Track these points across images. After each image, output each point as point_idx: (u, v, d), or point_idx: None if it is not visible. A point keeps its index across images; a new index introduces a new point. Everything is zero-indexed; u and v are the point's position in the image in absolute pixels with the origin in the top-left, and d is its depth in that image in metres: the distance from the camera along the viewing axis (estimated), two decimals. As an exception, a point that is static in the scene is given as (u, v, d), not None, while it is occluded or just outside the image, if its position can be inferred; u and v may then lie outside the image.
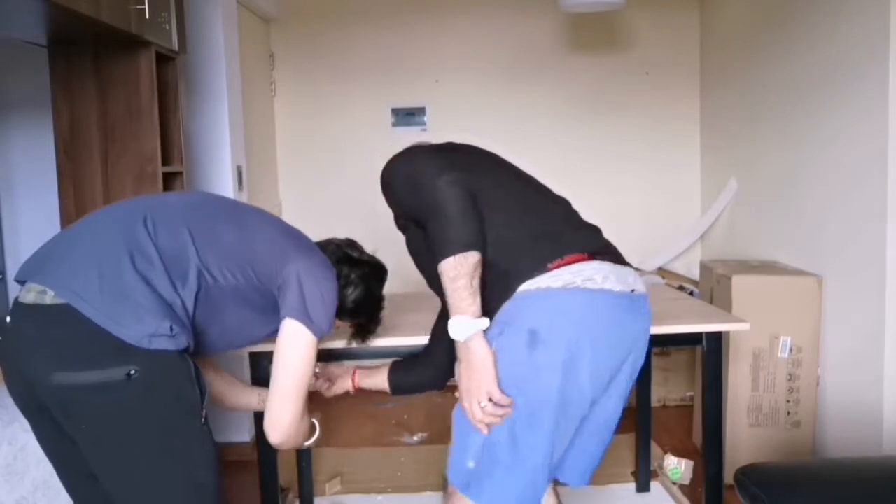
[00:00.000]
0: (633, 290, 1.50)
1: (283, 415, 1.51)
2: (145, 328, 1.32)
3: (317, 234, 1.72)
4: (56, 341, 1.33)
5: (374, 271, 1.73)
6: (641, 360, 1.56)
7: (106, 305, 1.31)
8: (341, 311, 1.64)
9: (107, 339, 1.30)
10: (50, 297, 1.33)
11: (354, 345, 1.81)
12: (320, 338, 1.52)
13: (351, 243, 1.75)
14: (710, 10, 3.90)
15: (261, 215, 1.61)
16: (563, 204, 1.63)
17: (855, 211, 2.45)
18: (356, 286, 1.67)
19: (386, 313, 1.79)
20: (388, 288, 1.79)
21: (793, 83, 2.91)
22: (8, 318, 1.39)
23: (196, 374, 1.41)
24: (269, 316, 1.52)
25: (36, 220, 2.59)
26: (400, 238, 1.69)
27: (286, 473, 2.67)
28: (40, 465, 1.94)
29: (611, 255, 1.53)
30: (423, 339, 1.88)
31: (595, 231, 1.59)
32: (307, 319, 1.48)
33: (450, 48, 4.05)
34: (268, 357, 1.98)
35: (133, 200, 1.57)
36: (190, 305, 1.40)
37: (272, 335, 1.54)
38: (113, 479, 1.40)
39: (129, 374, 1.31)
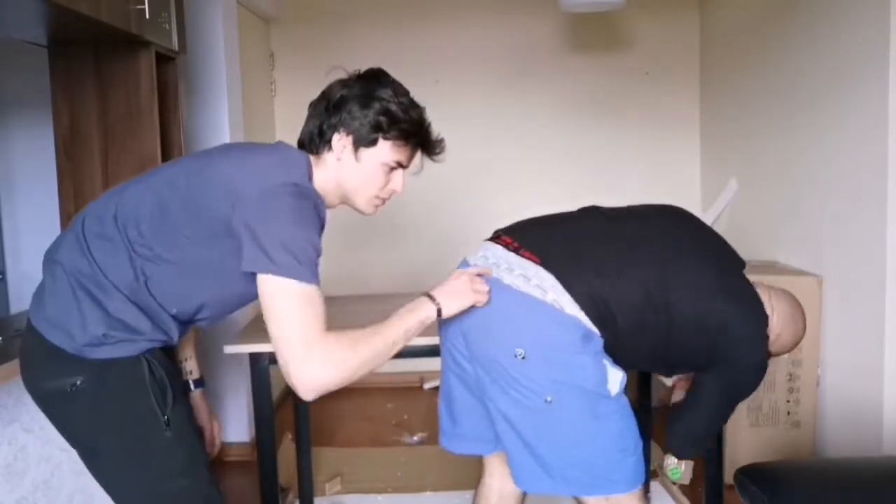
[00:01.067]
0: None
1: (299, 368, 1.25)
2: (84, 338, 1.34)
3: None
4: (26, 355, 1.43)
5: (365, 76, 1.47)
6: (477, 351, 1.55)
7: (57, 320, 1.36)
8: (387, 130, 1.42)
9: (56, 352, 1.35)
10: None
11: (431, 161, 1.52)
12: (304, 278, 1.27)
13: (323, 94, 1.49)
14: (710, 10, 3.90)
15: (198, 163, 1.42)
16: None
17: (855, 211, 2.45)
18: (360, 101, 1.42)
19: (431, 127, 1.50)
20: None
21: (793, 83, 2.90)
22: None
23: (152, 380, 1.36)
24: (234, 272, 1.33)
25: (36, 220, 2.58)
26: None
27: (286, 473, 2.68)
28: (40, 465, 1.94)
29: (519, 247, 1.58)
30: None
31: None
32: (273, 266, 1.26)
33: (450, 48, 4.05)
34: (268, 357, 1.99)
35: (85, 209, 1.47)
36: (144, 300, 1.36)
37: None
38: (97, 480, 1.43)
39: (74, 385, 1.34)
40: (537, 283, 1.49)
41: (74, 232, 1.40)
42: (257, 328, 2.15)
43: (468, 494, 2.76)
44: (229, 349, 1.97)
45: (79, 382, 1.34)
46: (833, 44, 2.59)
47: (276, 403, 3.52)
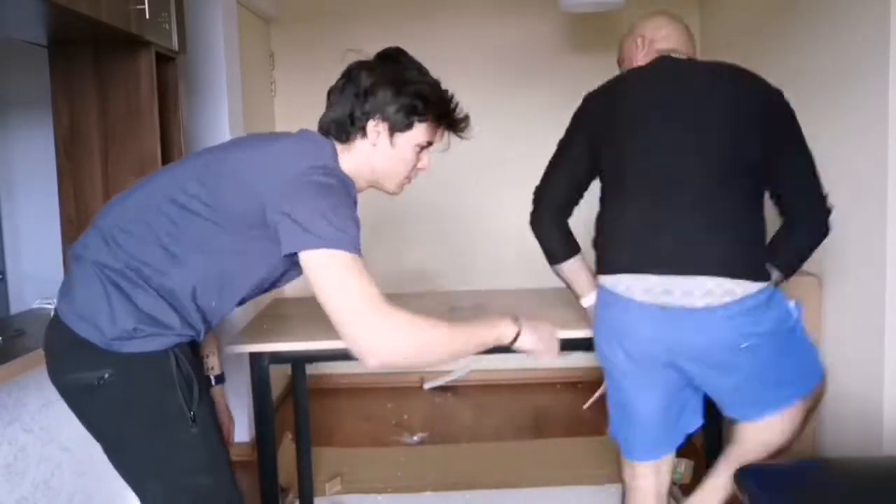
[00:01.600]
0: (663, 305, 1.66)
1: (365, 338, 1.23)
2: (114, 332, 1.34)
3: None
4: (52, 348, 1.43)
5: (386, 58, 1.48)
6: (700, 370, 1.71)
7: (86, 312, 1.36)
8: (423, 113, 1.45)
9: (84, 345, 1.35)
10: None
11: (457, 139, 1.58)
12: (351, 249, 1.25)
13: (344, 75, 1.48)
14: (710, 10, 3.90)
15: (218, 156, 1.42)
16: None
17: (854, 211, 2.45)
18: (393, 86, 1.42)
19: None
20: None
21: (792, 83, 2.88)
22: None
23: (179, 375, 1.37)
24: (255, 255, 1.39)
25: (36, 220, 2.59)
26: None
27: (286, 473, 2.68)
28: (40, 465, 1.94)
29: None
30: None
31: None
32: (318, 240, 1.24)
33: (450, 48, 4.05)
34: (268, 357, 1.99)
35: (108, 204, 1.48)
36: (176, 295, 1.37)
37: (284, 269, 1.42)
38: (120, 474, 1.44)
39: (101, 378, 1.34)
40: (720, 292, 1.62)
41: (99, 229, 1.40)
42: (257, 328, 2.15)
43: (468, 494, 2.76)
44: (229, 349, 1.97)
45: (107, 375, 1.34)
46: (833, 44, 2.59)
47: (276, 403, 3.53)
